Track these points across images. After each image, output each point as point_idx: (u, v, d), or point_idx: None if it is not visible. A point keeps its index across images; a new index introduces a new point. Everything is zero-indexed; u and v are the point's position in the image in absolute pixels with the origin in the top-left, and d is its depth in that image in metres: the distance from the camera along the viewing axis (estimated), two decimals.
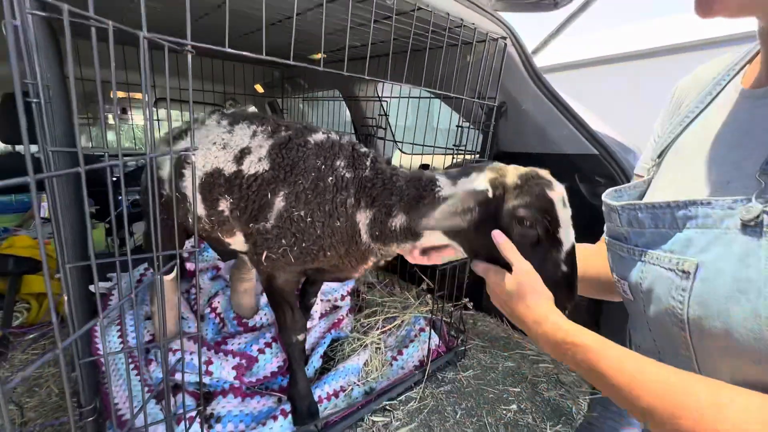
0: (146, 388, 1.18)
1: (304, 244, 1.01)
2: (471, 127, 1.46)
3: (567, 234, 0.71)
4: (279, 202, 1.01)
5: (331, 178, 1.00)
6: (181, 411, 0.95)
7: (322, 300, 1.78)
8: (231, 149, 1.11)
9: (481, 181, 0.80)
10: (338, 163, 1.03)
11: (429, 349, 1.45)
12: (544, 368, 1.58)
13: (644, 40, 3.87)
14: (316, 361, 1.45)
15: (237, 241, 1.16)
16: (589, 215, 1.46)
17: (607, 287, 0.71)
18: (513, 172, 0.79)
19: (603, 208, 0.63)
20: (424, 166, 2.32)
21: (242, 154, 1.09)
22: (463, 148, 1.47)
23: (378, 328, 1.63)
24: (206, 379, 1.28)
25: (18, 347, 1.45)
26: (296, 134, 1.09)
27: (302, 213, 0.98)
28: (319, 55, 2.05)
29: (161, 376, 1.22)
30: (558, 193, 0.73)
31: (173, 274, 1.45)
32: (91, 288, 1.72)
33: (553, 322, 0.57)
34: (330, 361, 1.50)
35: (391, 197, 0.95)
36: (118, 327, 1.44)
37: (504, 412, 1.34)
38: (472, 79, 1.39)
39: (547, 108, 1.46)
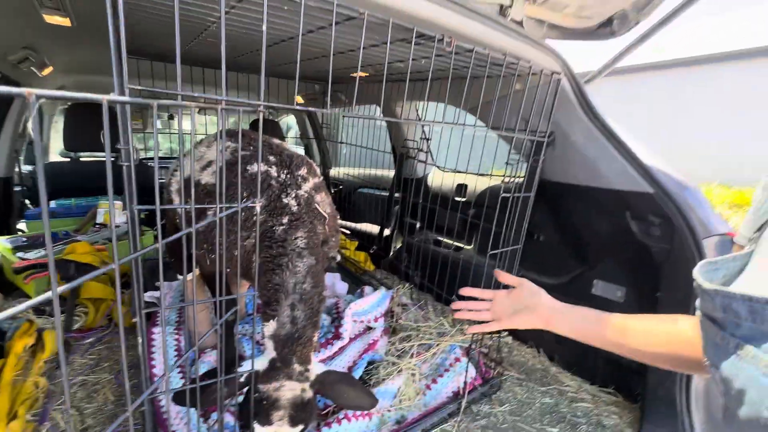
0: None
1: (212, 256, 1.09)
2: (519, 160, 1.44)
3: None
4: (209, 214, 1.09)
5: (245, 213, 1.06)
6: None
7: (355, 321, 1.81)
8: (203, 161, 1.24)
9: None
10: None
11: (465, 382, 1.44)
12: (584, 408, 1.53)
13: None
14: None
15: None
16: (642, 255, 1.41)
17: (679, 363, 0.68)
18: None
19: (694, 284, 0.56)
20: (461, 186, 2.31)
21: (207, 166, 1.22)
22: (511, 178, 1.46)
23: (413, 354, 1.63)
24: None
25: (78, 351, 1.55)
26: (244, 159, 1.16)
27: (215, 232, 1.01)
28: (359, 74, 2.08)
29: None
30: None
31: (191, 275, 1.52)
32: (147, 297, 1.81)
33: None
34: (365, 384, 1.52)
35: (273, 277, 1.03)
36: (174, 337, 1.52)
37: None
38: (522, 110, 1.37)
39: (599, 141, 1.42)
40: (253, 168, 1.13)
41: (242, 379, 0.96)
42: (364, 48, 0.90)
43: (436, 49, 0.93)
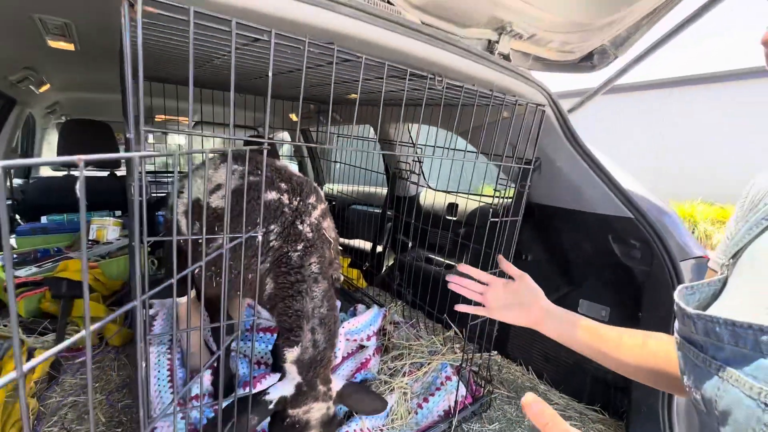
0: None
1: (219, 279, 1.14)
2: (507, 184, 1.50)
3: None
4: (218, 239, 1.13)
5: (258, 240, 1.10)
6: None
7: (348, 339, 1.83)
8: (211, 183, 1.28)
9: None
10: (272, 227, 1.14)
11: (456, 402, 1.46)
12: (571, 426, 1.57)
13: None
14: None
15: None
16: (624, 276, 1.48)
17: (669, 383, 0.70)
18: None
19: (675, 307, 0.58)
20: (452, 205, 2.37)
21: (215, 189, 1.26)
22: (499, 200, 1.52)
23: (405, 373, 1.66)
24: None
25: (69, 371, 1.54)
26: (254, 185, 1.20)
27: (228, 257, 1.07)
28: (354, 96, 2.14)
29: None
30: None
31: (185, 298, 1.54)
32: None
33: None
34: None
35: (293, 303, 1.08)
36: (167, 357, 1.52)
37: None
38: (510, 137, 1.45)
39: (582, 168, 1.49)
40: (265, 196, 1.18)
41: (271, 406, 1.00)
42: (357, 82, 0.95)
43: (427, 85, 1.00)
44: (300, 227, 1.16)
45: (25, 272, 1.90)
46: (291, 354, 1.06)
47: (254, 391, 1.37)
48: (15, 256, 2.05)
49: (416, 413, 1.49)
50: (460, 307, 1.00)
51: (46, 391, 1.42)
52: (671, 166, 9.24)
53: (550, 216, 1.70)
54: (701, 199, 8.25)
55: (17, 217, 2.72)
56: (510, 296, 0.93)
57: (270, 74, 0.66)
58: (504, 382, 1.79)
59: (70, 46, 1.45)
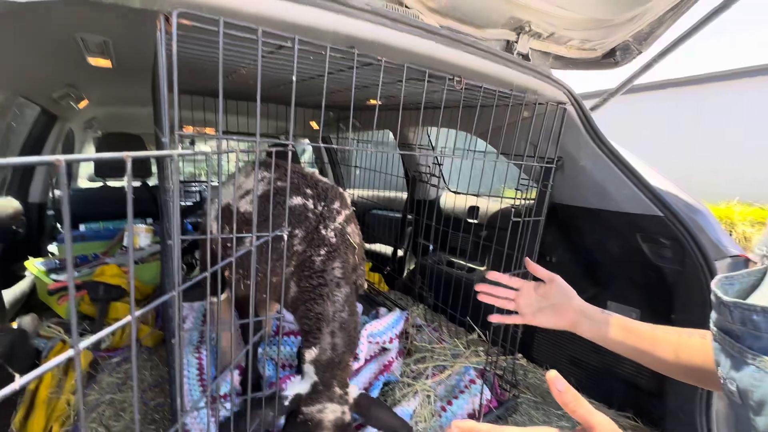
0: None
1: (247, 281, 1.15)
2: (529, 184, 1.49)
3: None
4: (246, 242, 1.15)
5: (283, 243, 1.11)
6: None
7: (370, 342, 1.83)
8: (241, 190, 1.32)
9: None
10: (296, 232, 1.15)
11: (481, 404, 1.44)
12: None
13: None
14: None
15: None
16: (654, 277, 1.43)
17: (702, 377, 0.69)
18: None
19: (711, 297, 0.58)
20: (473, 208, 2.36)
21: (245, 194, 1.30)
22: (521, 201, 1.51)
23: (428, 376, 1.65)
24: None
25: (106, 370, 1.62)
26: (279, 191, 1.22)
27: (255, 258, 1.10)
28: (373, 102, 2.18)
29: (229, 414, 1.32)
30: None
31: (226, 293, 1.58)
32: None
33: None
34: None
35: (315, 306, 1.10)
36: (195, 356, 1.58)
37: None
38: (533, 135, 1.43)
39: (607, 166, 1.46)
40: (290, 201, 1.22)
41: (287, 403, 1.01)
42: (377, 86, 0.98)
43: (447, 86, 1.01)
44: (323, 232, 1.18)
45: (65, 277, 2.01)
46: (309, 354, 1.08)
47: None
48: (57, 261, 2.17)
49: (440, 416, 1.48)
50: (495, 318, 0.98)
51: (85, 389, 1.49)
52: (703, 164, 8.84)
53: (575, 216, 1.66)
54: (738, 199, 7.82)
55: (58, 225, 2.89)
56: (542, 300, 0.92)
57: (294, 79, 0.69)
58: (530, 386, 1.75)
59: (108, 63, 1.54)
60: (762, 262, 0.58)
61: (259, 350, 1.60)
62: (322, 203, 1.24)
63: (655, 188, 1.37)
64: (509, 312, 0.97)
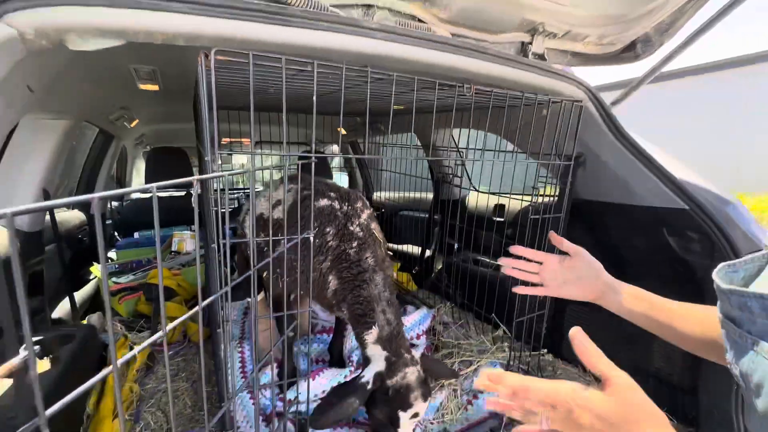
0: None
1: (286, 279, 1.27)
2: (549, 180, 1.51)
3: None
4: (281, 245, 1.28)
5: (318, 240, 1.21)
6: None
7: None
8: (273, 200, 1.47)
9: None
10: (328, 230, 1.27)
11: None
12: None
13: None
14: None
15: None
16: (683, 272, 1.40)
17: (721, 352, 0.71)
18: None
19: (714, 285, 0.59)
20: (499, 206, 2.37)
21: (276, 204, 1.43)
22: (542, 197, 1.53)
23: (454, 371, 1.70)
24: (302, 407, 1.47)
25: (161, 362, 1.81)
26: (305, 197, 1.34)
27: (291, 257, 1.23)
28: (396, 107, 2.25)
29: (268, 403, 1.44)
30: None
31: (262, 294, 1.72)
32: None
33: None
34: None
35: (361, 291, 1.22)
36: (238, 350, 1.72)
37: None
38: (549, 133, 1.45)
39: (629, 160, 1.45)
40: (318, 203, 1.35)
41: (369, 386, 1.11)
42: (395, 94, 1.05)
43: (456, 92, 1.07)
44: (351, 228, 1.32)
45: (124, 279, 2.24)
46: (371, 335, 1.20)
47: (312, 382, 1.50)
48: (116, 266, 2.42)
49: (466, 409, 1.53)
50: (519, 289, 0.97)
51: (145, 378, 1.67)
52: (731, 155, 8.13)
53: (599, 212, 1.65)
54: None
55: (115, 233, 3.19)
56: (567, 272, 0.92)
57: (314, 98, 0.78)
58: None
59: (155, 87, 1.72)
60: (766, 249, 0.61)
61: (294, 348, 1.72)
62: (347, 203, 1.38)
63: (680, 181, 1.35)
64: (534, 285, 0.96)
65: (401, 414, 1.12)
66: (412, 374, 1.15)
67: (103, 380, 1.47)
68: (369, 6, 1.06)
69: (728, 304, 0.56)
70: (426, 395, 1.15)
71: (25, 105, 0.89)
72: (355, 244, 1.28)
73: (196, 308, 0.55)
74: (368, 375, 1.14)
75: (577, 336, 0.57)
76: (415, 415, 1.14)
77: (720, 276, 0.59)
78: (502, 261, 0.99)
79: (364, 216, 1.38)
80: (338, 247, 1.29)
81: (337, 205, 1.37)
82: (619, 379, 0.53)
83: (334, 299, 1.32)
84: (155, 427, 1.41)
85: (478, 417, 1.49)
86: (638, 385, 0.53)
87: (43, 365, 1.27)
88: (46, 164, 1.50)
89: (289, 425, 1.37)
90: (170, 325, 0.52)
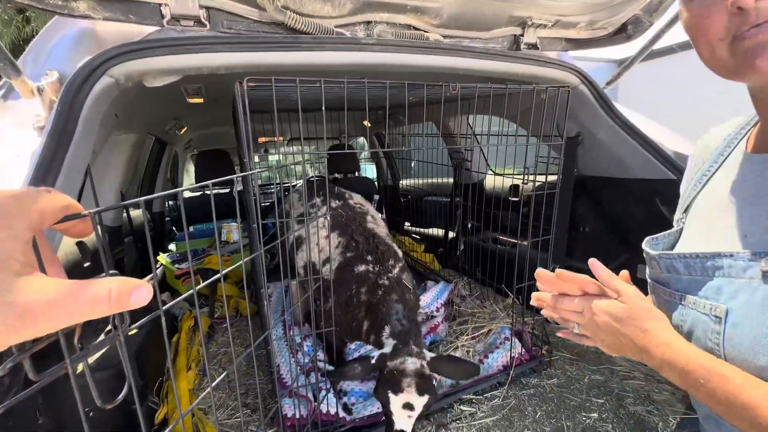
0: (298, 367, 1.69)
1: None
2: (555, 161, 1.64)
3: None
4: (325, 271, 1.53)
5: (354, 300, 1.51)
6: (321, 384, 1.41)
7: (419, 311, 2.13)
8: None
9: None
10: (362, 289, 1.52)
11: (512, 356, 1.66)
12: (635, 384, 1.63)
13: None
14: None
15: None
16: None
17: None
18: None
19: (644, 254, 0.69)
20: (515, 186, 2.50)
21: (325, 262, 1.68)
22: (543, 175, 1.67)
23: (468, 335, 1.90)
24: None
25: (219, 332, 2.16)
26: (351, 261, 1.61)
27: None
28: (412, 99, 2.43)
29: (307, 360, 1.72)
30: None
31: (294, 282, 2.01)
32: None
33: (680, 350, 0.55)
34: None
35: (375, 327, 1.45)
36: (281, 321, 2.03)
37: (584, 418, 1.47)
38: (544, 115, 1.58)
39: (622, 137, 1.56)
40: (358, 268, 1.61)
41: (373, 362, 1.29)
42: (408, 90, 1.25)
43: (444, 91, 1.25)
44: (380, 281, 1.57)
45: (185, 265, 2.62)
46: (384, 333, 1.41)
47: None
48: (177, 254, 2.83)
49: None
50: (567, 335, 0.73)
51: (207, 344, 2.02)
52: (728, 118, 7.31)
53: (600, 187, 1.76)
54: None
55: (173, 228, 3.64)
56: None
57: (323, 108, 1.00)
58: (568, 346, 1.90)
59: (201, 100, 2.03)
60: (677, 225, 0.73)
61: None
62: (379, 265, 1.62)
63: (668, 153, 1.45)
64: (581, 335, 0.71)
65: (391, 397, 1.18)
66: (411, 363, 1.23)
67: (176, 343, 1.83)
68: (369, 22, 1.26)
69: (657, 269, 0.66)
70: (421, 389, 1.18)
71: (113, 127, 1.18)
72: (380, 291, 1.52)
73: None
74: (375, 355, 1.32)
75: (595, 264, 0.65)
76: (409, 406, 1.17)
77: (648, 246, 0.71)
78: (535, 298, 0.75)
79: (395, 271, 1.63)
80: (368, 301, 1.52)
81: (371, 268, 1.60)
82: (629, 290, 0.63)
83: (367, 337, 1.52)
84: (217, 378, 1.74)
85: (488, 373, 1.68)
86: (644, 295, 0.64)
87: (132, 330, 1.62)
88: (122, 171, 1.86)
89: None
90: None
